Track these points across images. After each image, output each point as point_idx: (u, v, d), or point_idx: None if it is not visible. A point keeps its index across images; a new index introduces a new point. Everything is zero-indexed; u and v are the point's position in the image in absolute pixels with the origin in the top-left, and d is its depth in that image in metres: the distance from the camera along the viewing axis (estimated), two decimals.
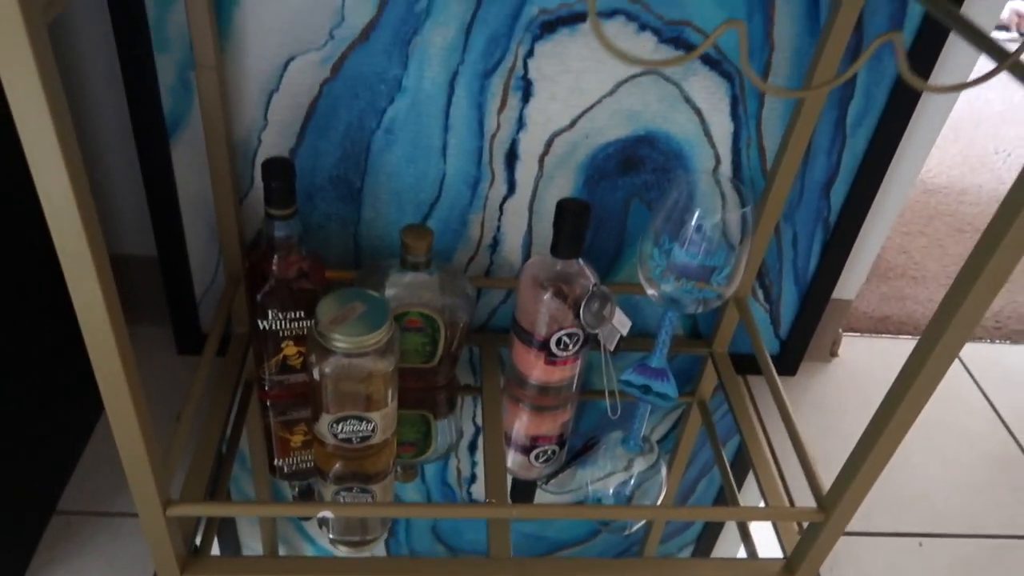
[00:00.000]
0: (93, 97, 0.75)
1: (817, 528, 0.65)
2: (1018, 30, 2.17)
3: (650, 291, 0.75)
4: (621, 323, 0.79)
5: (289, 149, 0.76)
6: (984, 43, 0.50)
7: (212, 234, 0.82)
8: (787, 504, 0.82)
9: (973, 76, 0.66)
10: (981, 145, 1.60)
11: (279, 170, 0.66)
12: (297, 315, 0.73)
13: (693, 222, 0.69)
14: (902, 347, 1.07)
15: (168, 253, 0.83)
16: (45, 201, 0.39)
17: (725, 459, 0.87)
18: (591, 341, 0.79)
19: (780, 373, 0.99)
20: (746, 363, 0.94)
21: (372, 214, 0.81)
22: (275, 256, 0.71)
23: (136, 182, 0.79)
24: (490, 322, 0.92)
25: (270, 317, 0.73)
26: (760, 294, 0.92)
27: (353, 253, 0.84)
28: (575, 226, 0.72)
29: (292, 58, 0.71)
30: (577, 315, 0.75)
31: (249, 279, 0.74)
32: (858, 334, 1.08)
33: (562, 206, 0.71)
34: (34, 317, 0.70)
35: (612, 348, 0.78)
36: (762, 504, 0.79)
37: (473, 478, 0.80)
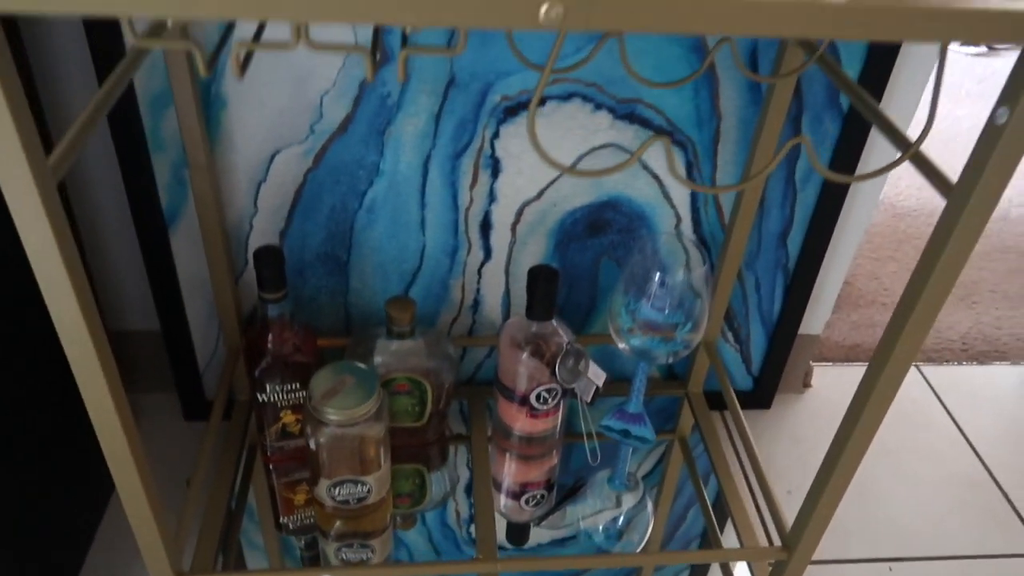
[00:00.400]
0: (98, 195, 0.81)
1: (783, 565, 0.70)
2: (986, 45, 2.23)
3: (621, 345, 0.81)
4: (596, 375, 0.84)
5: (279, 231, 0.82)
6: (891, 133, 0.56)
7: (211, 310, 0.88)
8: (762, 538, 0.87)
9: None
10: (950, 165, 1.66)
11: (269, 259, 0.72)
12: (293, 387, 0.79)
13: (656, 281, 0.75)
14: None
15: (171, 329, 0.88)
16: (48, 297, 0.44)
17: (706, 496, 0.92)
18: (570, 392, 0.84)
19: (755, 407, 1.05)
20: (719, 398, 1.00)
21: (359, 285, 0.87)
22: (270, 334, 0.76)
23: (140, 267, 0.85)
24: (476, 375, 0.97)
25: (268, 391, 0.78)
26: (730, 336, 0.97)
27: (343, 321, 0.90)
28: (546, 291, 0.78)
29: (277, 151, 0.77)
30: (553, 372, 0.81)
31: (247, 354, 0.80)
32: (830, 364, 1.13)
33: (533, 273, 0.77)
34: (47, 398, 0.76)
35: (589, 400, 0.84)
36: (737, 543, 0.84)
37: (471, 518, 0.86)
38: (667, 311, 0.78)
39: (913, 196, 1.54)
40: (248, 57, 0.57)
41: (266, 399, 0.79)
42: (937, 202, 1.53)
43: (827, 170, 0.52)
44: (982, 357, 1.16)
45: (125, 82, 0.50)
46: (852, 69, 0.77)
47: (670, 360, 0.82)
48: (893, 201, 1.52)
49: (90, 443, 0.56)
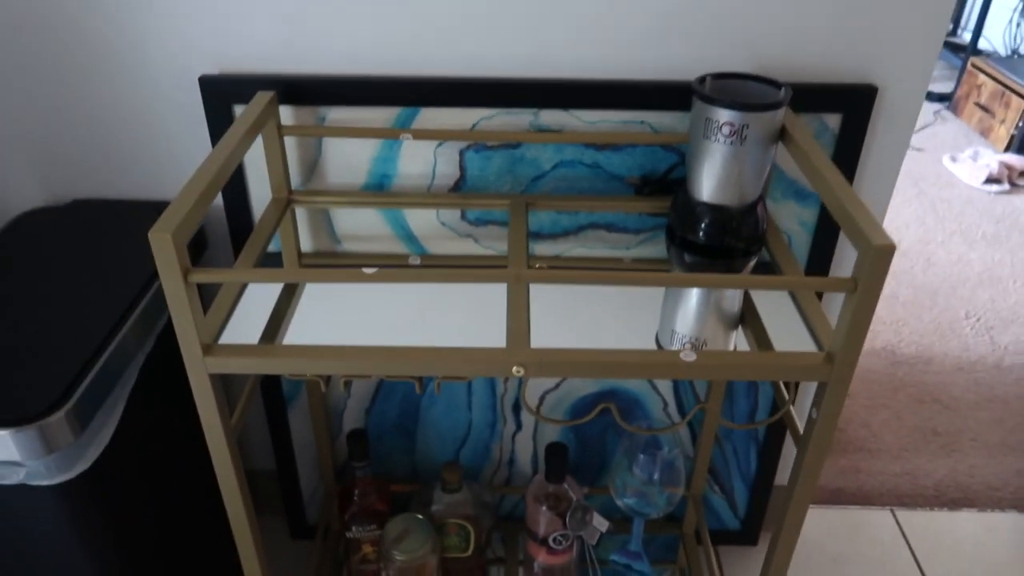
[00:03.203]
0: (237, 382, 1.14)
1: None
2: (1009, 181, 2.40)
3: (618, 503, 1.06)
4: (600, 524, 1.10)
5: (365, 409, 1.12)
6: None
7: (315, 461, 1.18)
8: None
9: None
10: (954, 311, 1.84)
11: (357, 437, 1.02)
12: (371, 528, 1.07)
13: (640, 456, 1.01)
14: (852, 516, 1.32)
15: (285, 473, 1.19)
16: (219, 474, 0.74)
17: None
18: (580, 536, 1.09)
19: (743, 543, 1.27)
20: (714, 537, 1.23)
21: (424, 447, 1.16)
22: (356, 489, 1.06)
23: (266, 429, 1.16)
24: (513, 513, 1.24)
25: (354, 530, 1.07)
26: (716, 488, 1.21)
27: (411, 472, 1.18)
28: (557, 463, 1.04)
29: None
30: (565, 523, 1.07)
31: (340, 499, 1.09)
32: (815, 505, 1.34)
33: (548, 449, 1.04)
34: (199, 526, 1.07)
35: (594, 543, 1.09)
36: None
37: None
38: (650, 480, 1.04)
39: (915, 343, 1.74)
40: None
41: (352, 535, 1.08)
42: (937, 350, 1.72)
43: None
44: (952, 504, 1.35)
45: None
46: None
47: (658, 515, 1.06)
48: (895, 348, 1.72)
49: (225, 559, 0.85)
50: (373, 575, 1.12)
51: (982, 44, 3.34)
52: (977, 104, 2.77)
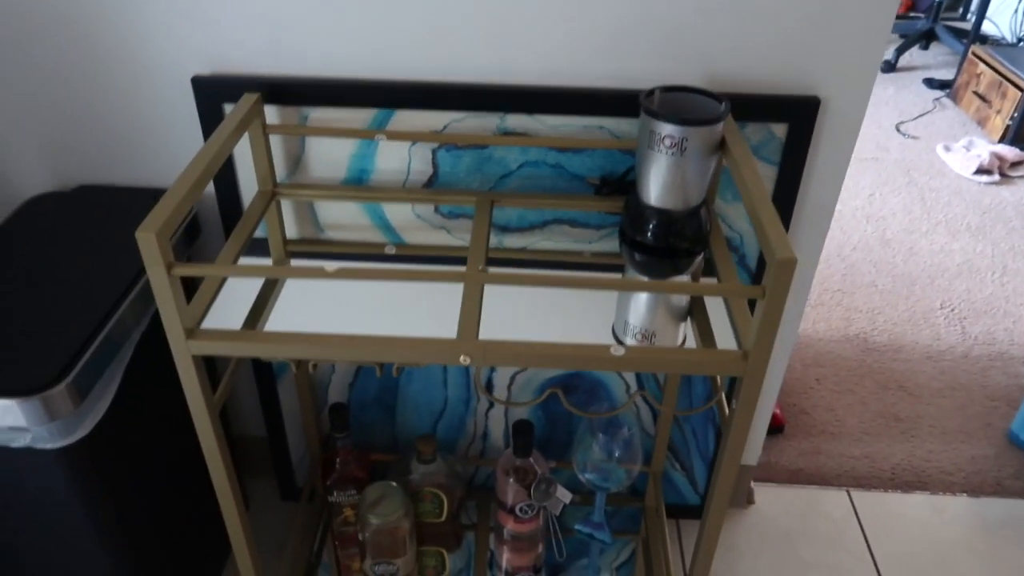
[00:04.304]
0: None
1: None
2: (1000, 172, 2.43)
3: (580, 478, 1.15)
4: (564, 495, 1.18)
5: (348, 384, 1.21)
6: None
7: (302, 431, 1.27)
8: None
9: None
10: (930, 301, 1.90)
11: (338, 411, 1.10)
12: (352, 493, 1.16)
13: (600, 435, 1.10)
14: (808, 495, 1.40)
15: (275, 439, 1.28)
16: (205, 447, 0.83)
17: None
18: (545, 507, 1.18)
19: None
20: (676, 511, 1.32)
21: (402, 420, 1.24)
22: (337, 458, 1.15)
23: (257, 400, 1.25)
24: (485, 483, 1.33)
25: (335, 495, 1.16)
26: (677, 465, 1.29)
27: (391, 442, 1.27)
28: (523, 439, 1.12)
29: None
30: (529, 494, 1.16)
31: (324, 466, 1.18)
32: (775, 484, 1.42)
33: (515, 427, 1.12)
34: (190, 488, 1.17)
35: (557, 513, 1.18)
36: None
37: None
38: (609, 457, 1.12)
39: (888, 331, 1.80)
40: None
41: (334, 500, 1.17)
42: (908, 339, 1.78)
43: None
44: (906, 487, 1.42)
45: None
46: None
47: (617, 490, 1.15)
48: (867, 335, 1.78)
49: (216, 518, 0.94)
50: (353, 536, 1.22)
51: (990, 29, 3.34)
52: (976, 93, 2.79)
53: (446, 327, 0.75)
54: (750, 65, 0.92)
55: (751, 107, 0.93)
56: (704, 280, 0.93)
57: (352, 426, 1.13)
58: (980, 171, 2.41)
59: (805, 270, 1.07)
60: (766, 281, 0.68)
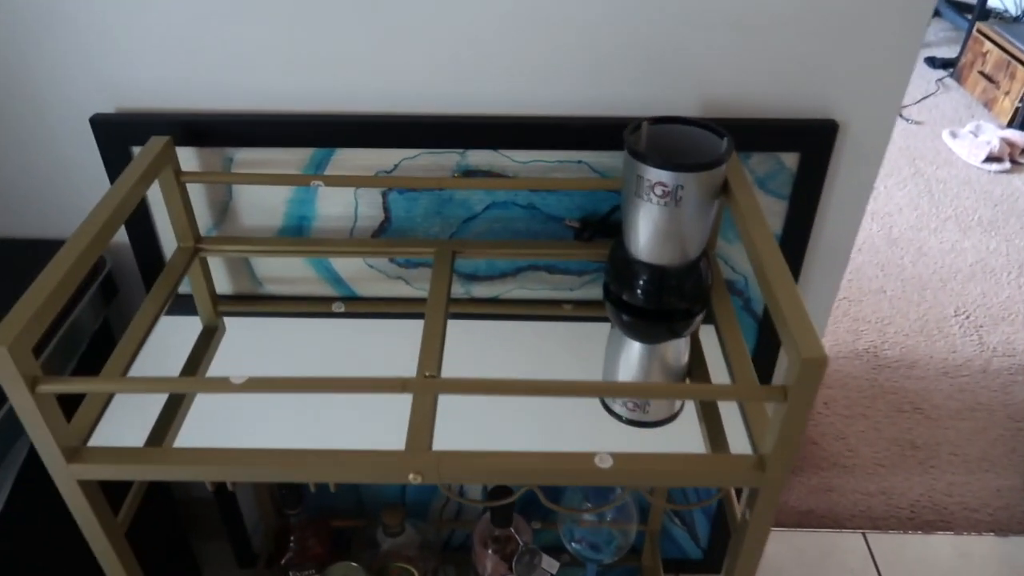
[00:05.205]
0: None
1: None
2: (1010, 159, 2.29)
3: (569, 548, 1.02)
4: (550, 566, 1.05)
5: None
6: None
7: (254, 496, 1.13)
8: None
9: None
10: (943, 307, 1.77)
11: (289, 487, 0.97)
12: (310, 572, 1.03)
13: (588, 504, 0.96)
14: (821, 540, 1.27)
15: (224, 506, 1.14)
16: None
17: None
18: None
19: (707, 572, 1.22)
20: (677, 565, 1.19)
21: (367, 483, 1.10)
22: (291, 535, 1.01)
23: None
24: (465, 543, 1.19)
25: (291, 574, 1.03)
26: (677, 521, 1.16)
27: (355, 502, 1.13)
28: (502, 508, 0.99)
29: None
30: (511, 567, 1.02)
31: (278, 539, 1.05)
32: (783, 529, 1.29)
33: (490, 493, 0.99)
34: None
35: None
36: None
37: None
38: (597, 534, 0.99)
39: (899, 344, 1.66)
40: None
41: None
42: (922, 352, 1.65)
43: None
44: (927, 527, 1.30)
45: None
46: None
47: (609, 561, 1.02)
48: (877, 349, 1.65)
49: None
50: None
51: (995, 3, 3.17)
52: (981, 73, 2.64)
53: (397, 420, 0.61)
54: (755, 86, 0.77)
55: (756, 134, 0.78)
56: (704, 327, 0.79)
57: (307, 492, 1.00)
58: (990, 159, 2.27)
59: (818, 317, 0.93)
60: (788, 380, 0.54)
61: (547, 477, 0.60)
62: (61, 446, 0.58)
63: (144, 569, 0.93)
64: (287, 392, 0.56)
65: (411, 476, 0.59)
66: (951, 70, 2.85)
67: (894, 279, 1.86)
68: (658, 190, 0.65)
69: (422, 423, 0.60)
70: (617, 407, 0.77)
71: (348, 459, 0.59)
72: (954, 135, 2.41)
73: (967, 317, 1.74)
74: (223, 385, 0.55)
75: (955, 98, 2.71)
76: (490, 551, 1.02)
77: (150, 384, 0.63)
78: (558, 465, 0.59)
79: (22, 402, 0.54)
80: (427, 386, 0.60)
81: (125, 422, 0.66)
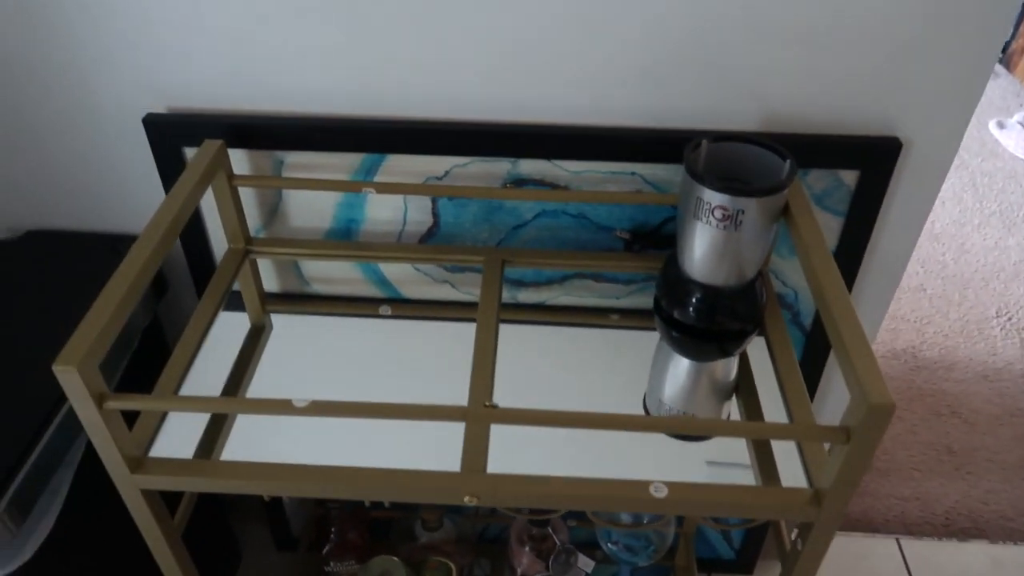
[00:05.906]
0: None
1: None
2: None
3: (605, 548, 1.03)
4: (585, 564, 1.06)
5: None
6: None
7: None
8: None
9: None
10: (984, 307, 1.74)
11: None
12: (350, 562, 1.05)
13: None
14: (854, 544, 1.27)
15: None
16: None
17: None
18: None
19: (739, 572, 1.23)
20: (709, 565, 1.20)
21: None
22: (332, 527, 1.03)
23: None
24: (499, 536, 1.21)
25: (332, 565, 1.05)
26: (711, 520, 1.16)
27: None
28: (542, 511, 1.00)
29: None
30: (547, 565, 1.03)
31: (318, 528, 1.07)
32: None
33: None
34: None
35: None
36: None
37: None
38: (634, 536, 1.00)
39: (938, 345, 1.64)
40: None
41: (330, 570, 1.06)
42: (961, 353, 1.63)
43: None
44: (962, 535, 1.29)
45: None
46: None
47: (646, 563, 1.03)
48: (915, 350, 1.63)
49: None
50: None
51: None
52: None
53: (438, 429, 0.62)
54: (817, 101, 0.75)
55: (816, 151, 0.76)
56: (754, 341, 0.78)
57: None
58: None
59: (868, 333, 0.92)
60: (850, 421, 0.53)
61: (603, 504, 0.60)
62: (125, 457, 0.59)
63: (188, 549, 0.95)
64: (347, 416, 0.56)
65: (467, 499, 0.59)
66: (1000, 56, 2.76)
67: (935, 277, 1.82)
68: (718, 213, 0.64)
69: (477, 448, 0.61)
70: (661, 414, 0.77)
71: (404, 479, 0.60)
72: (1001, 126, 2.34)
73: (1009, 319, 1.71)
74: (286, 407, 0.55)
75: (1003, 85, 2.63)
76: (527, 548, 1.04)
77: (213, 404, 0.64)
78: (614, 492, 0.59)
79: (90, 417, 0.55)
80: (485, 416, 0.60)
81: (179, 423, 0.67)
